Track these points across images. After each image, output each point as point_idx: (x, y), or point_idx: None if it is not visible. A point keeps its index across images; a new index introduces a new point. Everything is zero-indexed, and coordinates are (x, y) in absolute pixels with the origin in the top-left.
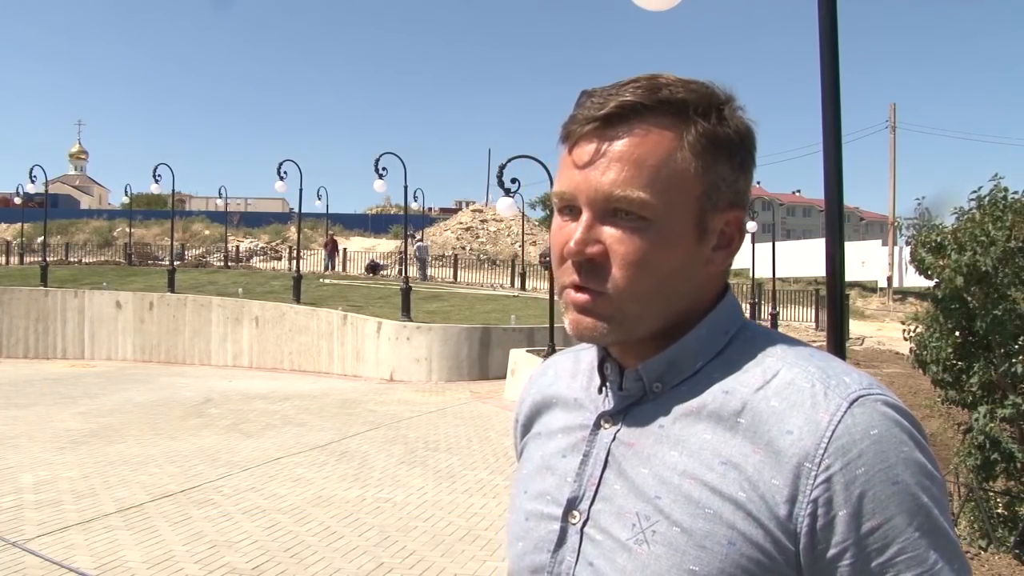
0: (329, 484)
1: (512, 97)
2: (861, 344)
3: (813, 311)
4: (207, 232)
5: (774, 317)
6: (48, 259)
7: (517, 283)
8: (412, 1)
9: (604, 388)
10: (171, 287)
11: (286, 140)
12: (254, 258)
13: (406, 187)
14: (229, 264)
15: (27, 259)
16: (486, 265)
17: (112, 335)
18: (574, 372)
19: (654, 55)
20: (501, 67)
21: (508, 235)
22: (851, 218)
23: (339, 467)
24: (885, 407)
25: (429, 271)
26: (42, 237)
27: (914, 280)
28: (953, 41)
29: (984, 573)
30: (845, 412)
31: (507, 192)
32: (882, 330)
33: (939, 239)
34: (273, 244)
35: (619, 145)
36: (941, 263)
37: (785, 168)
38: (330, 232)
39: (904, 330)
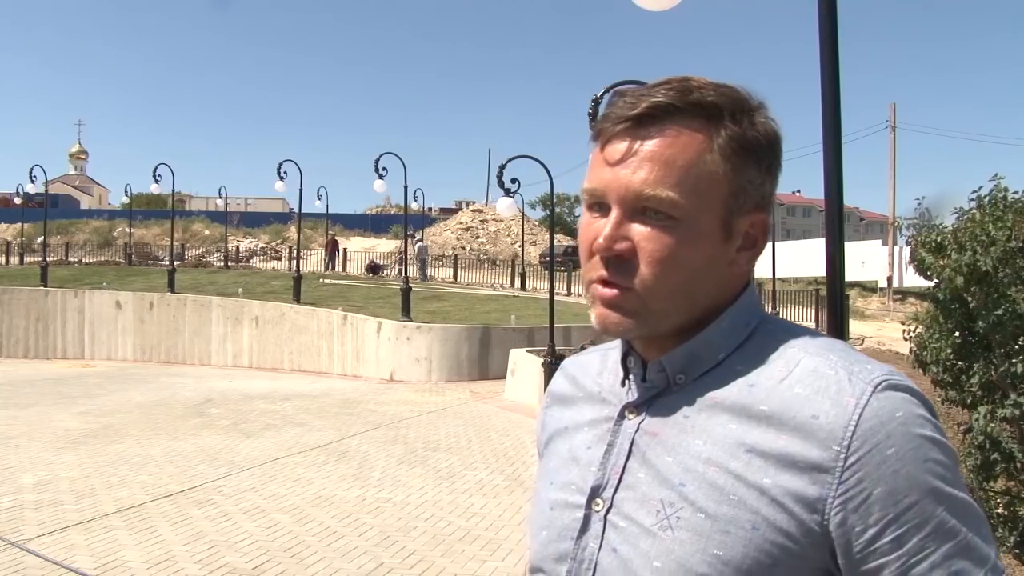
0: (329, 484)
1: (512, 97)
2: (861, 344)
3: (813, 311)
4: (207, 232)
5: None
6: (48, 259)
7: (517, 283)
8: (412, 1)
9: (627, 381)
10: (171, 287)
11: (286, 140)
12: (254, 258)
13: (406, 187)
14: (229, 264)
15: (27, 259)
16: (486, 265)
17: (112, 335)
18: (601, 369)
19: (654, 55)
20: (501, 67)
21: (508, 235)
22: (851, 218)
23: (339, 467)
24: (907, 392)
25: (429, 271)
26: (42, 237)
27: (914, 280)
28: (953, 41)
29: None
30: (871, 396)
31: (507, 192)
32: (882, 330)
33: (939, 239)
34: (273, 244)
35: (650, 145)
36: (941, 263)
37: (785, 168)
38: (331, 232)
39: (904, 330)
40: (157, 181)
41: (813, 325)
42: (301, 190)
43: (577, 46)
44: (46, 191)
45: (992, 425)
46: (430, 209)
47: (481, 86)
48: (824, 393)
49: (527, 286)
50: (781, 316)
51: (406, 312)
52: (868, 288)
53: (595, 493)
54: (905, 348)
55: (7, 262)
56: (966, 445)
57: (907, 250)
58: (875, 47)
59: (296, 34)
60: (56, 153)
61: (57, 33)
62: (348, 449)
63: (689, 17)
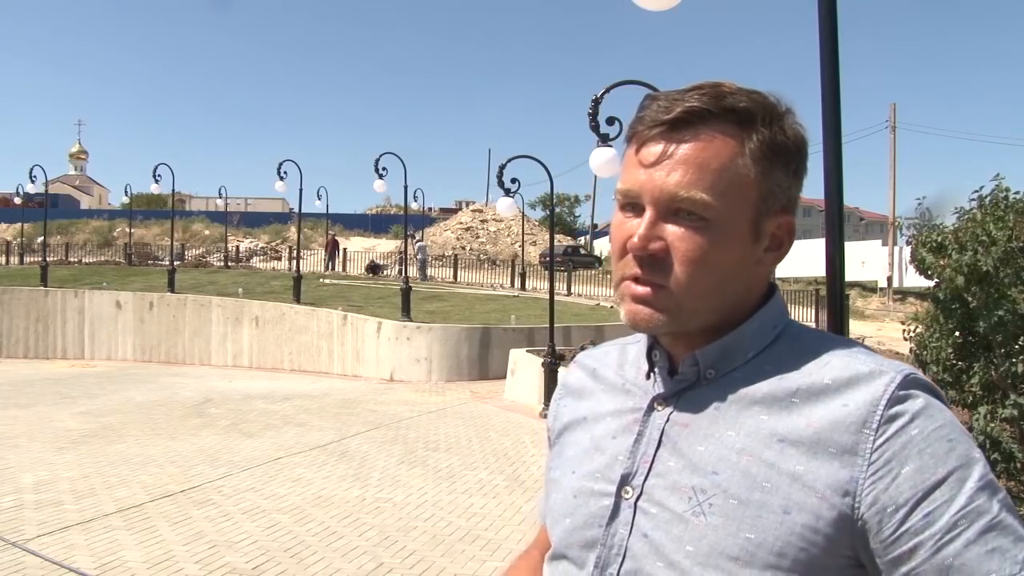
0: (329, 484)
1: (512, 97)
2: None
3: (813, 311)
4: (207, 232)
5: None
6: (48, 259)
7: (517, 283)
8: (412, 1)
9: (652, 374)
10: (171, 287)
11: (286, 140)
12: (254, 258)
13: (406, 187)
14: (229, 264)
15: (27, 259)
16: (486, 265)
17: (112, 335)
18: (621, 361)
19: (655, 55)
20: (501, 67)
21: (508, 235)
22: (851, 218)
23: (339, 467)
24: (931, 388)
25: (429, 271)
26: (42, 237)
27: (914, 280)
28: (953, 41)
29: None
30: (897, 386)
31: (507, 192)
32: (882, 330)
33: (939, 239)
34: (273, 244)
35: (685, 148)
36: (941, 263)
37: None
38: (331, 232)
39: (904, 330)
40: (157, 181)
41: (813, 325)
42: (301, 190)
43: (577, 46)
44: (46, 191)
45: (992, 425)
46: (430, 209)
47: (481, 86)
48: (853, 384)
49: (527, 286)
50: None
51: (406, 312)
52: (868, 288)
53: (624, 481)
54: (905, 348)
55: (7, 262)
56: None
57: (907, 250)
58: (875, 47)
59: (296, 34)
60: (56, 153)
61: (57, 33)
62: (348, 449)
63: (689, 17)
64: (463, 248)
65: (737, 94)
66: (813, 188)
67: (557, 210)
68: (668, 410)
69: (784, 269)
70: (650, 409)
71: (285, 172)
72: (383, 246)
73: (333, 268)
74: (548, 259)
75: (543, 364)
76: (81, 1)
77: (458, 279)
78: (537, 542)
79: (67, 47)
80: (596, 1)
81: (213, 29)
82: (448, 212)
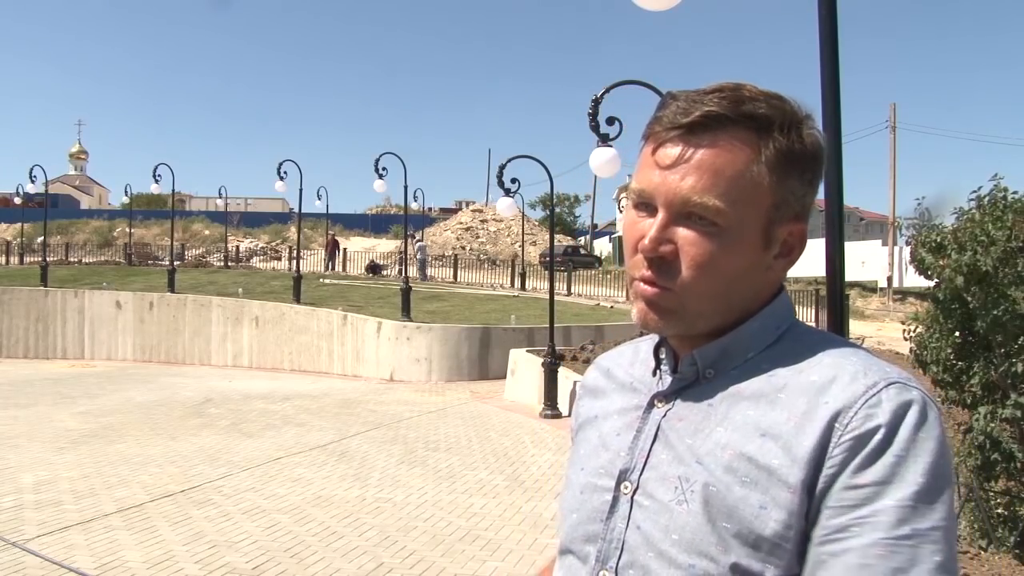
0: (329, 484)
1: (512, 97)
2: (861, 344)
3: (813, 311)
4: (207, 232)
5: None
6: (48, 259)
7: (517, 283)
8: (412, 1)
9: (658, 371)
10: (171, 287)
11: (286, 140)
12: (254, 258)
13: (406, 187)
14: (229, 264)
15: (27, 259)
16: (486, 265)
17: (112, 335)
18: (633, 360)
19: (655, 55)
20: (501, 67)
21: (508, 235)
22: (851, 218)
23: (339, 467)
24: (919, 400)
25: (429, 271)
26: (42, 237)
27: (914, 280)
28: (953, 41)
29: (984, 573)
30: (882, 388)
31: (507, 192)
32: (882, 330)
33: (939, 239)
34: (273, 244)
35: (700, 153)
36: (941, 263)
37: None
38: (331, 232)
39: (904, 330)
40: (157, 181)
41: (814, 325)
42: (301, 190)
43: (577, 46)
44: (46, 191)
45: (992, 425)
46: (430, 209)
47: (481, 86)
48: (838, 381)
49: (527, 286)
50: None
51: (406, 312)
52: (868, 288)
53: (623, 476)
54: (905, 348)
55: (7, 262)
56: (966, 445)
57: (907, 250)
58: (875, 47)
59: (296, 34)
60: (56, 153)
61: (57, 33)
62: (348, 449)
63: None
64: (463, 248)
65: (757, 99)
66: None
67: (557, 210)
68: (666, 407)
69: None
70: (650, 406)
71: (285, 172)
72: (383, 246)
73: (333, 268)
74: (548, 259)
75: (543, 364)
76: (81, 1)
77: (458, 279)
78: None
79: (67, 47)
80: (596, 1)
81: (213, 29)
82: (448, 212)
